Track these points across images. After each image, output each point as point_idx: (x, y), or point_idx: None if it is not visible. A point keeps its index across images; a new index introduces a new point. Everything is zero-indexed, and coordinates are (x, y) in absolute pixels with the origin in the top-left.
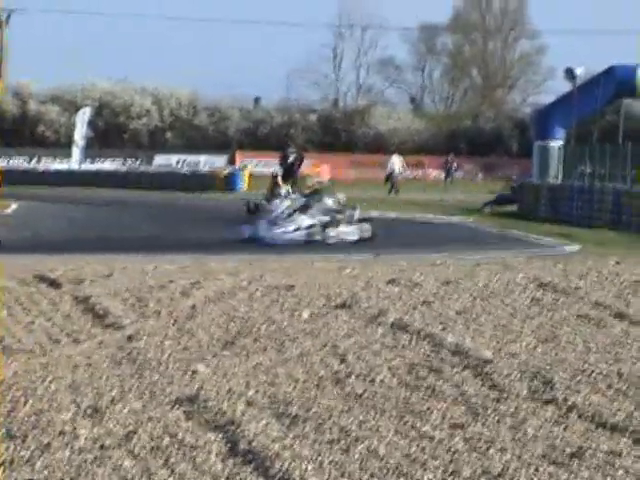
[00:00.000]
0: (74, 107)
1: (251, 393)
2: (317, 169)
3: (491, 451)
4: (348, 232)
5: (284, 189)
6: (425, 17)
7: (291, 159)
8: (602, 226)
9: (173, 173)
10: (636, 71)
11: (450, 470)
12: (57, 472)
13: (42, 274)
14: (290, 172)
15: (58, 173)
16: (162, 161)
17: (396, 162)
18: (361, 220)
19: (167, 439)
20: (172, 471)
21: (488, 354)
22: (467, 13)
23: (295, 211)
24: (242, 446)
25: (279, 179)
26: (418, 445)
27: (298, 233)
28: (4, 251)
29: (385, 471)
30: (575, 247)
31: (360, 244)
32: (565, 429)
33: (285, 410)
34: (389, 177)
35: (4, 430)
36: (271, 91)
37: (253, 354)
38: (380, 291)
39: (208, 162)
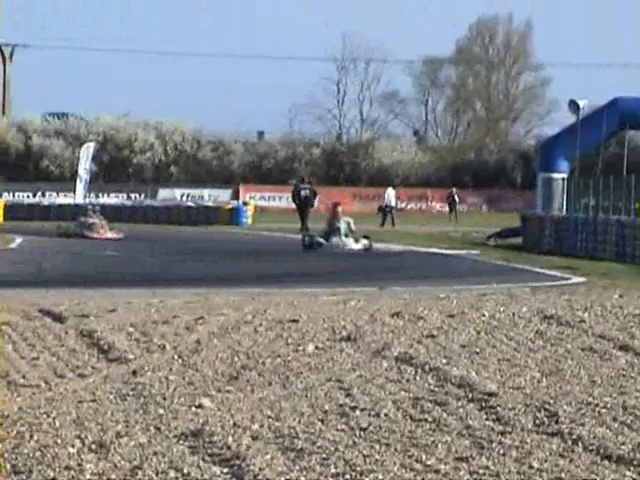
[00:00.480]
0: (78, 142)
1: (256, 427)
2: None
3: None
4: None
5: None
6: (428, 50)
7: (304, 194)
8: (606, 258)
9: (178, 207)
10: None
11: None
12: None
13: (47, 309)
14: (304, 206)
15: (63, 207)
16: (166, 195)
17: (392, 195)
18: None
19: (173, 473)
20: None
21: (493, 387)
22: (470, 46)
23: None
24: None
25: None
26: (423, 478)
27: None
28: (8, 286)
29: None
30: (579, 279)
31: (364, 276)
32: (570, 462)
33: (290, 444)
34: (384, 209)
35: (9, 465)
36: (275, 125)
37: (258, 388)
38: (385, 324)
39: (212, 196)
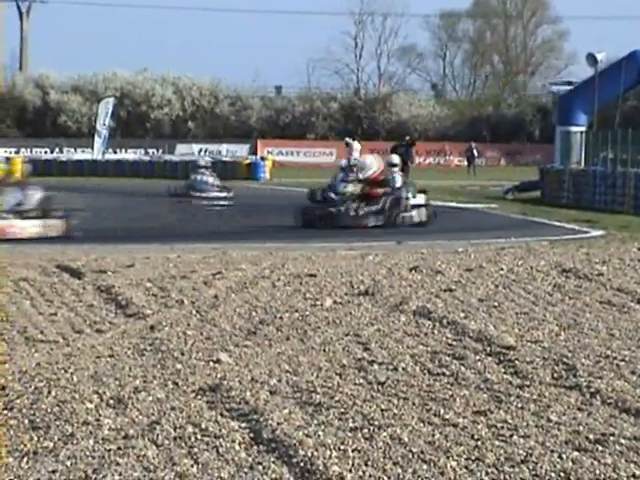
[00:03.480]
0: (95, 97)
1: (274, 382)
2: None
3: (515, 438)
4: None
5: None
6: (446, 4)
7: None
8: (625, 211)
9: (196, 162)
10: None
11: (474, 457)
12: (81, 462)
13: (64, 264)
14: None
15: (81, 163)
16: (184, 150)
17: (357, 148)
18: None
19: (190, 428)
20: (196, 460)
21: (511, 341)
22: None
23: None
24: (265, 435)
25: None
26: (442, 432)
27: None
28: (25, 240)
29: (409, 458)
30: (598, 232)
31: (382, 231)
32: (589, 415)
33: (308, 398)
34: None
35: (27, 421)
36: (292, 80)
37: (276, 343)
38: (402, 279)
39: (230, 151)
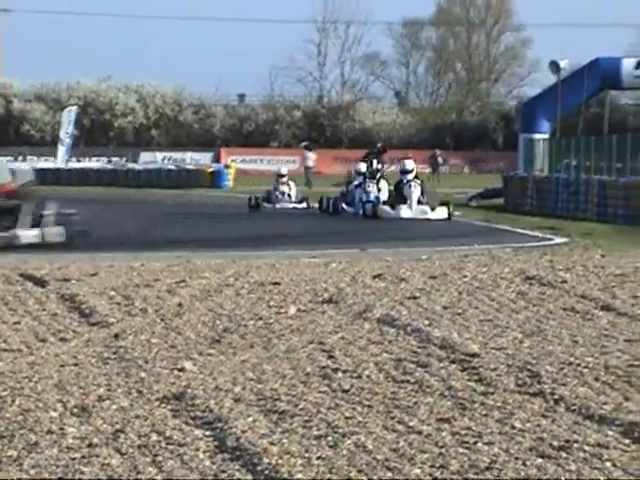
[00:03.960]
0: (59, 106)
1: (238, 390)
2: None
3: (479, 445)
4: None
5: None
6: (409, 12)
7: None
8: (588, 218)
9: (159, 170)
10: (621, 63)
11: (438, 464)
12: (45, 471)
13: (28, 273)
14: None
15: (44, 171)
16: (148, 158)
17: (311, 158)
18: None
19: (155, 437)
20: (160, 469)
21: (475, 348)
22: (450, 7)
23: None
24: (230, 443)
25: None
26: (406, 440)
27: None
28: None
29: (373, 466)
30: (561, 239)
31: (346, 238)
32: (552, 422)
33: (273, 406)
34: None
35: None
36: (255, 88)
37: (240, 351)
38: (366, 286)
39: (193, 159)
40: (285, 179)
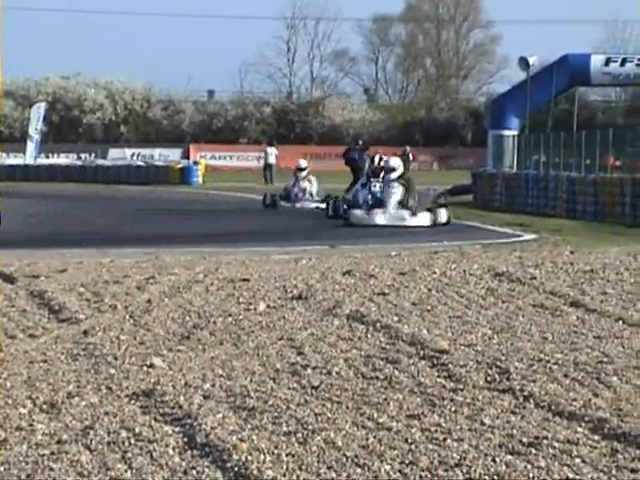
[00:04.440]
0: (27, 102)
1: (208, 386)
2: None
3: (448, 441)
4: None
5: None
6: (378, 8)
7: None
8: (557, 215)
9: (128, 167)
10: (589, 60)
11: (408, 461)
12: (14, 468)
13: None
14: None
15: (13, 168)
16: (117, 155)
17: (272, 153)
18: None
19: (124, 433)
20: (129, 465)
21: (444, 344)
22: (420, 4)
23: None
24: (199, 439)
25: None
26: (375, 436)
27: None
28: None
29: (343, 462)
30: (530, 236)
31: (315, 235)
32: (522, 418)
33: (242, 403)
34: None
35: None
36: (224, 84)
37: (209, 347)
38: (336, 282)
39: (162, 155)
40: (305, 173)
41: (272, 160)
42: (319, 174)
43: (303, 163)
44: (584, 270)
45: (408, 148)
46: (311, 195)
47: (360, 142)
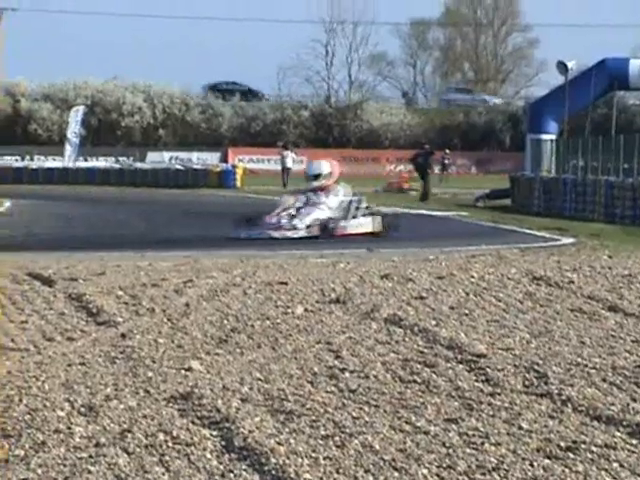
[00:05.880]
0: (66, 105)
1: (245, 389)
2: None
3: (486, 445)
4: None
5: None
6: (416, 12)
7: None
8: (595, 219)
9: (167, 170)
10: (628, 64)
11: (445, 464)
12: (52, 471)
13: (35, 272)
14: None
15: (51, 171)
16: (155, 158)
17: (289, 157)
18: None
19: (162, 436)
20: (167, 468)
21: (482, 348)
22: (458, 7)
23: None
24: (237, 442)
25: None
26: (413, 440)
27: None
28: None
29: (380, 466)
30: (568, 240)
31: (353, 238)
32: (560, 423)
33: (280, 406)
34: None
35: None
36: (263, 88)
37: (247, 351)
38: (374, 286)
39: (201, 159)
40: (324, 181)
41: (289, 164)
42: (357, 178)
43: (320, 167)
44: (622, 274)
45: (447, 151)
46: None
47: (426, 146)
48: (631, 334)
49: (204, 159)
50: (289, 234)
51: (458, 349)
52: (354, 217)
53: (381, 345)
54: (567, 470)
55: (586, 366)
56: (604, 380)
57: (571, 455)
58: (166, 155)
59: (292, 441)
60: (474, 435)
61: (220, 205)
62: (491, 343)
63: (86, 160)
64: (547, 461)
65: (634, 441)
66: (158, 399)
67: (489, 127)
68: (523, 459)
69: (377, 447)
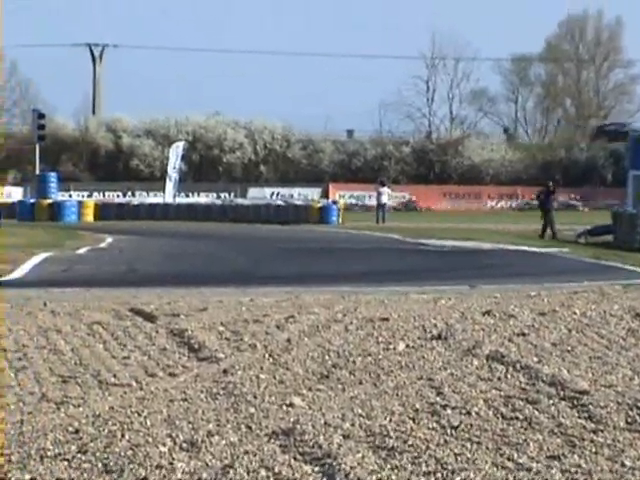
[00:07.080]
0: (167, 141)
1: (347, 426)
2: None
3: None
4: None
5: None
6: (517, 48)
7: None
8: None
9: (268, 206)
10: None
11: None
12: None
13: (137, 308)
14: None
15: (153, 207)
16: (256, 194)
17: (385, 192)
18: None
19: (264, 472)
20: None
21: (585, 385)
22: (560, 43)
23: None
24: (339, 479)
25: None
26: (515, 477)
27: None
28: (99, 284)
29: None
30: None
31: (455, 275)
32: None
33: (381, 442)
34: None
35: (101, 464)
36: (364, 124)
37: (349, 387)
38: (475, 322)
39: (302, 194)
40: None
41: (384, 200)
42: (459, 213)
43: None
44: None
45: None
46: None
47: (550, 183)
48: None
49: (305, 195)
50: None
51: (560, 386)
52: None
53: (483, 382)
54: None
55: None
56: None
57: None
58: (267, 191)
59: (394, 477)
60: (577, 472)
61: (321, 241)
62: (594, 380)
63: (187, 196)
64: None
65: None
66: (260, 435)
67: (591, 163)
68: None
69: None
